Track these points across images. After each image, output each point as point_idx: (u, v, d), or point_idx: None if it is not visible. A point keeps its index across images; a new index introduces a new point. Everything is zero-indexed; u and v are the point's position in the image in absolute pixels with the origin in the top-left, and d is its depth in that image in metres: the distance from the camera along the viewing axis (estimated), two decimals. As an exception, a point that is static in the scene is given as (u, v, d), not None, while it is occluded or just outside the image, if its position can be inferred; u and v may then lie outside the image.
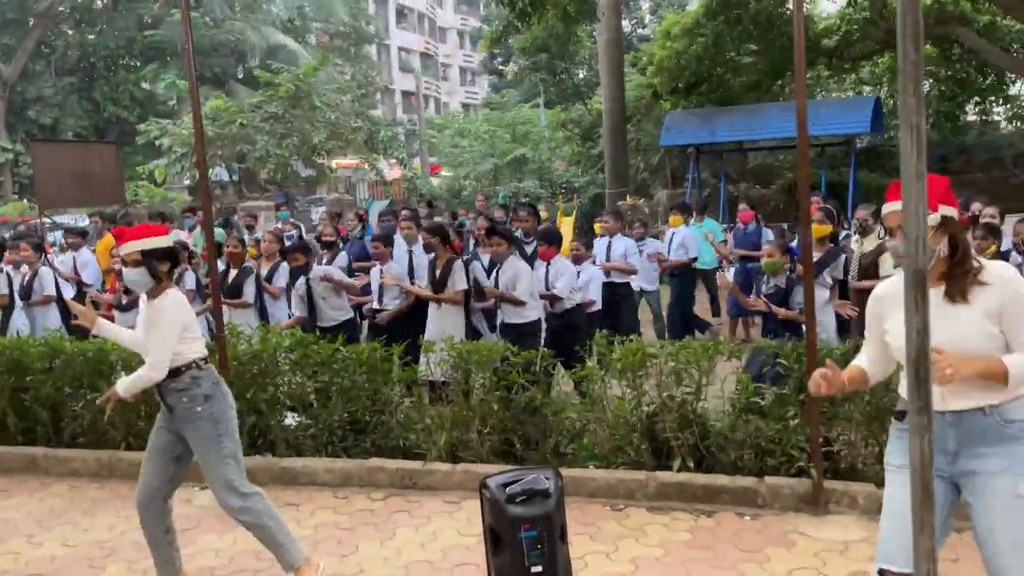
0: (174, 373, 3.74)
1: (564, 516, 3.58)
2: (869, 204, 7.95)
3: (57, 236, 13.57)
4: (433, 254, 6.91)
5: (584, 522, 4.53)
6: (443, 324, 6.53)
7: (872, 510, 4.34)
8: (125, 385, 3.80)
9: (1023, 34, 16.75)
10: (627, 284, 8.50)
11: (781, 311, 5.94)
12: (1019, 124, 20.04)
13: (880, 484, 2.92)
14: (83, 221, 14.20)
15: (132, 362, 5.38)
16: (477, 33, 51.87)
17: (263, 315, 7.49)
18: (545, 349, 5.52)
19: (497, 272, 6.67)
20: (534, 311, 6.66)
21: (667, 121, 15.80)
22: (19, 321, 8.05)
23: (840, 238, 8.00)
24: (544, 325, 6.80)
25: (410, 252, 7.85)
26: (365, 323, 8.07)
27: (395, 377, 5.69)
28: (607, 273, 8.30)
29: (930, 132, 19.72)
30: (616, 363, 5.02)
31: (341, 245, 8.73)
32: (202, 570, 4.28)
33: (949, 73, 18.27)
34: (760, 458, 4.79)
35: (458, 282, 6.64)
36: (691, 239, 9.51)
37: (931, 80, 19.44)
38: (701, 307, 10.74)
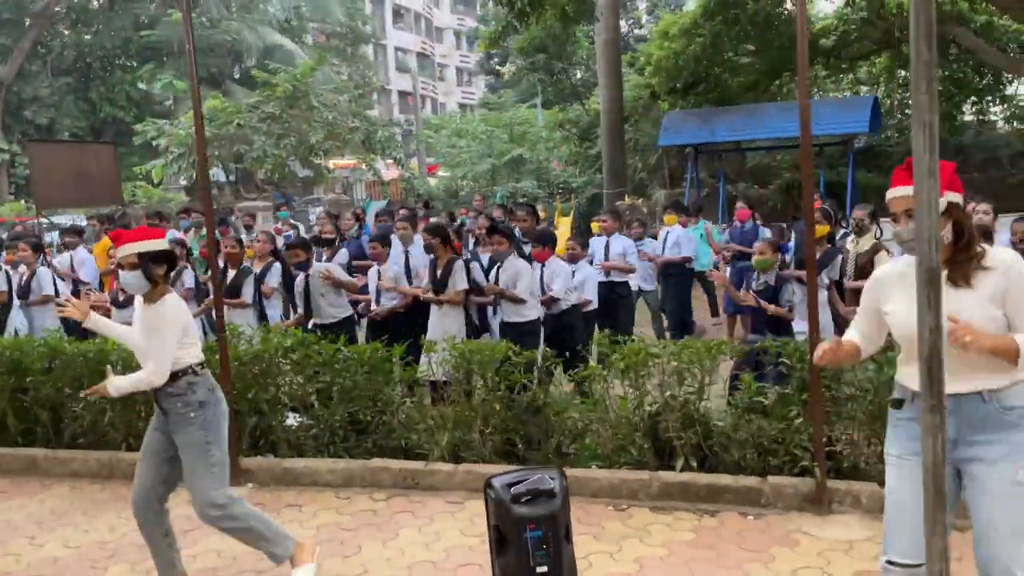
0: (171, 377, 3.74)
1: (569, 516, 3.57)
2: (866, 204, 7.97)
3: (54, 237, 13.54)
4: (433, 255, 6.90)
5: (587, 522, 4.52)
6: (445, 324, 6.53)
7: (875, 509, 4.33)
8: (118, 386, 3.79)
9: (1020, 34, 16.78)
10: (626, 283, 8.50)
11: (771, 307, 5.99)
12: (1016, 124, 20.07)
13: (883, 483, 2.91)
14: (81, 222, 14.16)
15: (132, 363, 5.36)
16: (474, 33, 51.85)
17: (262, 315, 7.49)
18: (547, 348, 5.50)
19: (497, 271, 6.68)
20: (534, 310, 6.67)
21: (665, 121, 15.79)
22: (17, 320, 8.05)
23: (837, 238, 8.01)
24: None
25: (406, 252, 7.85)
26: (363, 321, 8.06)
27: (396, 377, 5.69)
28: (606, 273, 8.31)
29: (927, 132, 19.76)
30: (619, 363, 5.01)
31: (339, 243, 8.72)
32: (204, 571, 4.27)
33: (946, 73, 18.30)
34: (763, 458, 4.79)
35: (459, 282, 6.64)
36: (685, 238, 9.52)
37: (928, 80, 19.46)
38: (701, 308, 10.76)
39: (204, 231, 10.52)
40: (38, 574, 4.33)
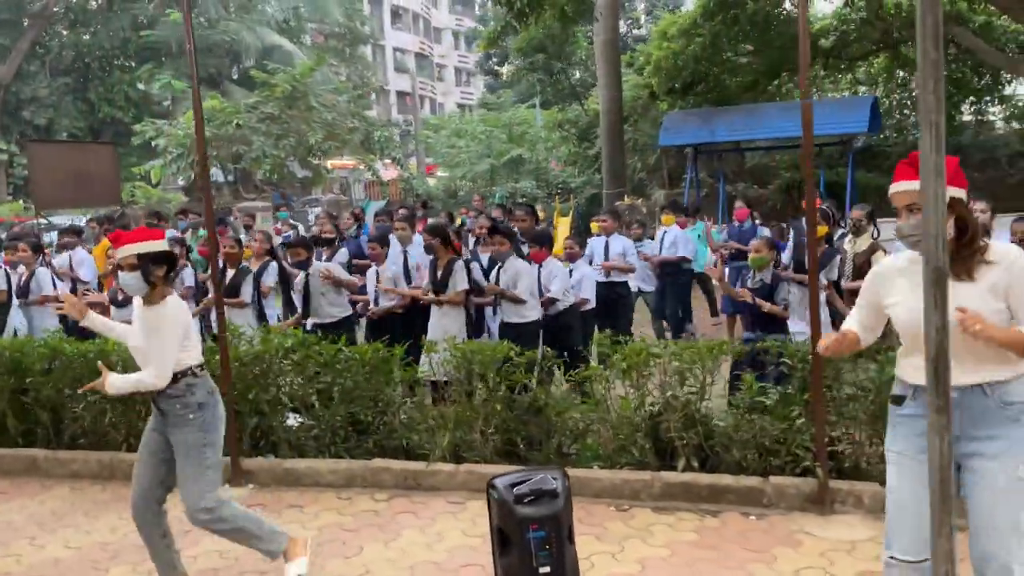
0: (171, 379, 3.73)
1: (572, 516, 3.57)
2: (864, 204, 7.97)
3: (52, 237, 13.52)
4: (434, 255, 6.89)
5: (589, 522, 4.52)
6: (445, 324, 6.52)
7: (878, 509, 4.32)
8: (117, 385, 3.78)
9: (1019, 34, 16.79)
10: (625, 283, 8.50)
11: (766, 305, 6.00)
12: (1015, 124, 20.08)
13: (885, 483, 2.91)
14: (80, 222, 14.14)
15: (133, 363, 5.35)
16: (472, 33, 51.86)
17: (261, 315, 7.50)
18: (548, 349, 5.50)
19: (498, 271, 6.67)
20: (534, 311, 6.66)
21: (665, 121, 15.79)
22: (16, 320, 8.03)
23: (835, 239, 8.02)
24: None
25: (405, 252, 7.85)
26: (362, 320, 8.05)
27: (397, 378, 5.68)
28: (606, 273, 8.30)
29: (926, 132, 19.78)
30: (620, 363, 5.01)
31: (339, 243, 8.72)
32: (205, 572, 4.26)
33: (945, 73, 18.20)
34: (764, 458, 4.79)
35: (459, 282, 6.63)
36: (682, 238, 9.52)
37: (927, 80, 19.47)
38: (700, 308, 10.77)
39: (201, 232, 10.53)
40: (39, 575, 4.32)
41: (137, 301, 3.88)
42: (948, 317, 1.98)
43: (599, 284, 8.22)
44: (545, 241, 7.10)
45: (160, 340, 3.68)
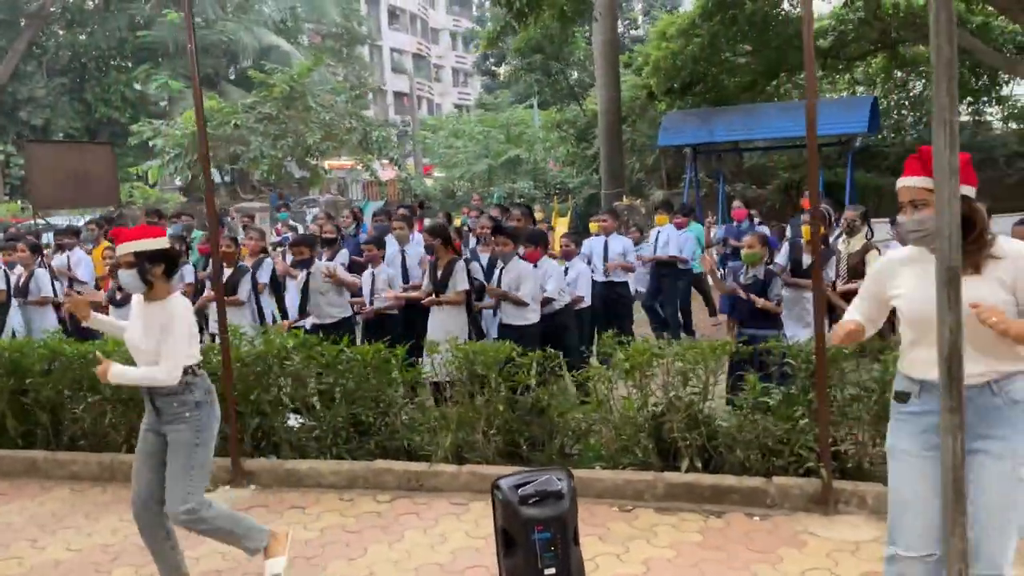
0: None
1: (577, 517, 3.56)
2: (858, 205, 7.98)
3: (50, 238, 13.47)
4: (434, 255, 6.87)
5: (592, 523, 4.50)
6: (446, 325, 6.50)
7: (882, 510, 4.30)
8: (125, 375, 3.76)
9: (1016, 34, 16.82)
10: (626, 283, 8.50)
11: (760, 300, 6.01)
12: (1012, 124, 20.11)
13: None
14: (78, 223, 14.11)
15: (132, 364, 5.33)
16: (470, 34, 51.85)
17: (260, 313, 7.53)
18: (551, 350, 5.49)
19: (500, 272, 6.66)
20: (534, 313, 6.65)
21: (665, 121, 15.79)
22: (15, 320, 8.01)
23: (831, 240, 8.02)
24: None
25: (403, 252, 7.83)
26: (360, 319, 8.05)
27: (398, 378, 5.66)
28: (606, 273, 8.29)
29: (923, 132, 19.81)
30: (623, 363, 5.00)
31: (340, 243, 8.70)
32: (208, 574, 4.24)
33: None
34: (767, 458, 4.78)
35: (459, 283, 6.61)
36: (676, 238, 9.49)
37: (924, 80, 19.49)
38: (699, 309, 10.76)
39: (195, 232, 10.54)
40: (40, 577, 4.30)
41: (137, 298, 3.88)
42: (962, 318, 1.97)
43: (600, 284, 8.21)
44: (540, 240, 7.08)
45: (171, 337, 3.68)
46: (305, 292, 7.11)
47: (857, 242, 7.12)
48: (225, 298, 7.04)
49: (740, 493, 4.66)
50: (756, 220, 11.31)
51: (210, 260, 6.54)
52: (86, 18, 32.70)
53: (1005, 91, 19.49)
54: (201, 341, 5.57)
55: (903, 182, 2.80)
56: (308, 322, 7.22)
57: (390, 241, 8.12)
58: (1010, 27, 16.47)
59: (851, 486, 4.55)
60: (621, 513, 4.67)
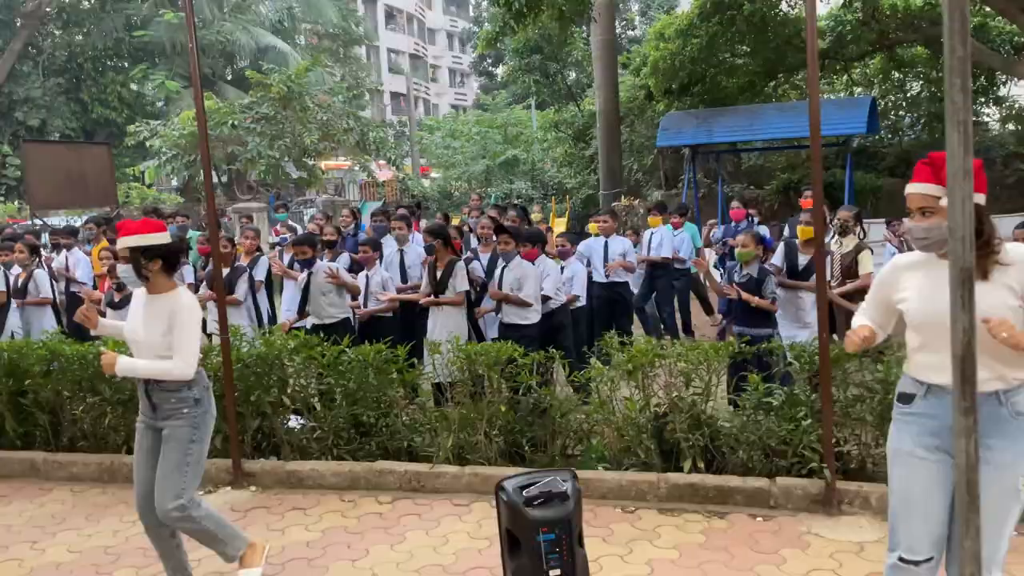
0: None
1: (581, 519, 3.54)
2: (851, 206, 7.96)
3: (46, 238, 13.42)
4: (434, 256, 6.86)
5: (595, 524, 4.49)
6: (446, 325, 6.49)
7: (885, 510, 4.28)
8: (135, 369, 3.71)
9: (1014, 35, 16.83)
10: (626, 284, 8.49)
11: (754, 299, 6.00)
12: (1010, 125, 20.13)
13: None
14: (76, 223, 14.06)
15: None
16: (466, 34, 51.82)
17: (257, 311, 7.54)
18: (553, 350, 5.47)
19: (502, 271, 6.65)
20: (535, 313, 6.64)
21: (663, 122, 15.77)
22: (13, 321, 7.97)
23: (825, 239, 8.00)
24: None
25: (401, 252, 7.81)
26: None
27: (400, 379, 5.64)
28: (606, 274, 8.28)
29: (920, 133, 19.83)
30: (625, 364, 4.99)
31: (341, 244, 8.69)
32: (210, 574, 4.22)
33: (940, 74, 18.34)
34: (770, 459, 4.77)
35: (459, 284, 6.61)
36: (669, 238, 9.49)
37: (922, 81, 19.50)
38: (698, 309, 10.76)
39: (192, 232, 10.53)
40: (41, 579, 4.28)
41: (140, 291, 3.86)
42: (975, 319, 1.96)
43: (600, 285, 8.20)
44: (537, 239, 7.07)
45: (183, 330, 3.66)
46: (305, 292, 7.09)
47: (849, 242, 7.10)
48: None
49: (743, 494, 4.66)
50: (756, 220, 11.29)
51: (209, 259, 6.53)
52: (82, 18, 32.59)
53: (1002, 92, 19.50)
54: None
55: (912, 188, 2.79)
56: (308, 322, 7.20)
57: (388, 241, 8.10)
58: (1007, 27, 16.49)
59: (855, 487, 4.54)
60: (624, 514, 4.66)
